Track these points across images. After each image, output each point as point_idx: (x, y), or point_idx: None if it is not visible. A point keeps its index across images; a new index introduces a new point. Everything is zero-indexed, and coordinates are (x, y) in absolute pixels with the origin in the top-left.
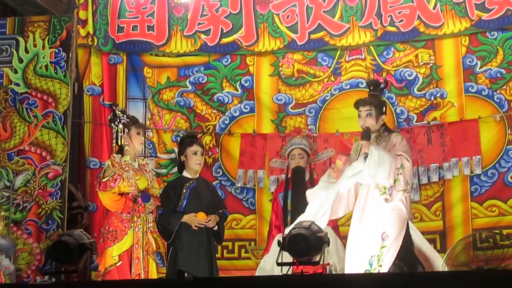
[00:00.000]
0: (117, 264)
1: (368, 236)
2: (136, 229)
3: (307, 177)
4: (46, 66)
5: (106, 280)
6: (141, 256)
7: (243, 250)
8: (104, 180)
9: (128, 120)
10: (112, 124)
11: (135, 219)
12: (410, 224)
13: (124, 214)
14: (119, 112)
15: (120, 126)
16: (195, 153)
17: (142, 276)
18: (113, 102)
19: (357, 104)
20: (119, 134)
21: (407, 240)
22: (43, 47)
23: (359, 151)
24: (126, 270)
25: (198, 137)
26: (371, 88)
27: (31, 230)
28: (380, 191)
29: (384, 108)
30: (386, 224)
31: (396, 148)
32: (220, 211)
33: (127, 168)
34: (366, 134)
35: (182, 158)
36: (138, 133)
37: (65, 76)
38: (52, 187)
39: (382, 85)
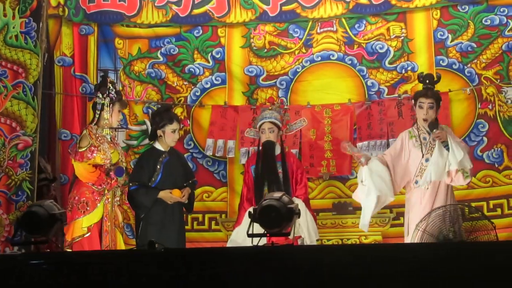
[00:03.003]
0: (86, 235)
1: None
2: (106, 201)
3: (277, 150)
4: (16, 36)
5: (79, 250)
6: (109, 228)
7: (213, 222)
8: (81, 150)
9: (115, 95)
10: (99, 94)
11: (106, 191)
12: None
13: (95, 186)
14: (110, 84)
15: (108, 99)
16: (174, 131)
17: (111, 248)
18: (104, 74)
19: (419, 95)
20: (105, 108)
21: None
22: (13, 16)
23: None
24: (96, 242)
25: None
26: (427, 81)
27: (1, 201)
28: (464, 175)
29: (440, 101)
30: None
31: (454, 135)
32: (190, 181)
33: (102, 140)
34: (434, 125)
35: (159, 132)
36: (119, 111)
37: (36, 47)
38: (22, 158)
39: (436, 79)
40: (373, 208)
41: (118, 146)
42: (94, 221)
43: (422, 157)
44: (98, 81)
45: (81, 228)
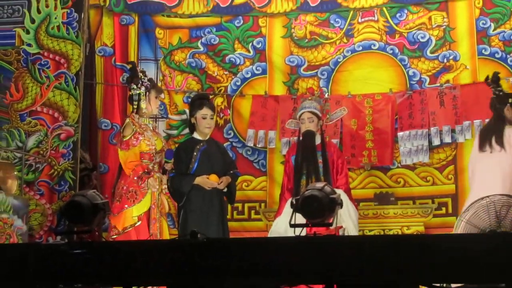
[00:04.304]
0: (136, 224)
1: None
2: (154, 189)
3: (318, 140)
4: (58, 27)
5: (121, 240)
6: (157, 216)
7: (253, 212)
8: (125, 139)
9: (149, 83)
10: (133, 85)
11: (152, 179)
12: None
13: (135, 178)
14: (141, 74)
15: (143, 89)
16: (204, 117)
17: (158, 237)
18: (132, 61)
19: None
20: (142, 98)
21: None
22: (55, 7)
23: None
24: (145, 230)
25: (209, 98)
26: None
27: (43, 191)
28: None
29: None
30: None
31: None
32: (232, 172)
33: (145, 128)
34: None
35: (193, 120)
36: (156, 97)
37: (77, 37)
38: (64, 148)
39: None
40: None
41: (161, 136)
42: (144, 210)
43: None
44: (128, 73)
45: (131, 217)
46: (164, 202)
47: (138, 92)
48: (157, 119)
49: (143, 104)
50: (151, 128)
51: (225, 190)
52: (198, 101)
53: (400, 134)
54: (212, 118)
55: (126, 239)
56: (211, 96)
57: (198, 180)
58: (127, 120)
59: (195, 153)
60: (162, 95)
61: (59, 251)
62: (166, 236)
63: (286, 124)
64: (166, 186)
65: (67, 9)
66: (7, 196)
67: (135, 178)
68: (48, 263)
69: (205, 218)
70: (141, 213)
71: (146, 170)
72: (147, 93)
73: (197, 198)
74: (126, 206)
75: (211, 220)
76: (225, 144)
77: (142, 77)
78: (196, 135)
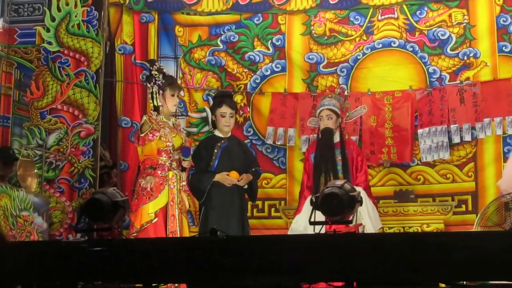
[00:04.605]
0: (153, 221)
1: None
2: (172, 186)
3: (336, 138)
4: (78, 25)
5: (141, 237)
6: (176, 213)
7: (273, 209)
8: (142, 135)
9: (163, 81)
10: (148, 85)
11: (170, 175)
12: None
13: (159, 172)
14: (155, 72)
15: (155, 88)
16: (223, 115)
17: (178, 234)
18: (151, 59)
19: None
20: (154, 96)
21: None
22: (75, 5)
23: None
24: (161, 227)
25: (232, 96)
26: None
27: (64, 188)
28: None
29: None
30: None
31: None
32: (253, 169)
33: (163, 125)
34: None
35: (213, 117)
36: (173, 95)
37: (97, 35)
38: (84, 146)
39: None
40: None
41: (182, 133)
42: (160, 206)
43: None
44: (148, 71)
45: (148, 214)
46: (184, 199)
47: (151, 90)
48: (177, 117)
49: (155, 102)
50: (171, 125)
51: (246, 187)
52: (219, 99)
53: (420, 131)
54: (232, 117)
55: (145, 236)
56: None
57: (218, 177)
58: (145, 117)
59: (215, 151)
60: (182, 93)
61: (79, 249)
62: (186, 233)
63: (307, 122)
64: (184, 183)
65: (87, 7)
66: (28, 193)
67: (154, 163)
68: (68, 260)
69: (225, 216)
70: (157, 209)
71: (152, 165)
72: (161, 91)
73: (217, 195)
74: (142, 203)
75: (231, 217)
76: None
77: (156, 75)
78: (217, 133)
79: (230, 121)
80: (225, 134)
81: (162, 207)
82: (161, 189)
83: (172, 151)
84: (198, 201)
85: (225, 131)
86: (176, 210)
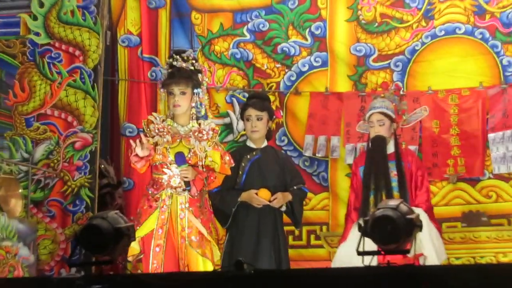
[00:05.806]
0: (140, 257)
1: None
2: (163, 208)
3: (390, 148)
4: (73, 12)
5: (148, 273)
6: (178, 243)
7: (313, 236)
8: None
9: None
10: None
11: (163, 196)
12: None
13: (151, 191)
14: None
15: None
16: (248, 119)
17: (187, 268)
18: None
19: None
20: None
21: None
22: None
23: None
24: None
25: (262, 96)
26: None
27: (55, 212)
28: None
29: None
30: None
31: None
32: (295, 187)
33: (164, 133)
34: None
35: (241, 124)
36: (171, 92)
37: (95, 24)
38: (79, 160)
39: None
40: None
41: (203, 141)
42: (140, 235)
43: None
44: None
45: (131, 247)
46: (192, 223)
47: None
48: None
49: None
50: (182, 132)
51: (284, 209)
52: (247, 100)
53: (491, 135)
54: (259, 119)
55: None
56: None
57: (244, 196)
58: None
59: (243, 164)
60: (200, 92)
61: (74, 287)
62: (199, 268)
63: (357, 127)
64: (188, 205)
65: None
66: (11, 219)
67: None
68: None
69: (254, 244)
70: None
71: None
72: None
73: (245, 219)
74: None
75: (262, 246)
76: None
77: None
78: (249, 143)
79: (258, 125)
80: (259, 144)
81: (144, 236)
82: (149, 212)
83: (169, 164)
84: (222, 226)
85: (255, 139)
86: (164, 240)
